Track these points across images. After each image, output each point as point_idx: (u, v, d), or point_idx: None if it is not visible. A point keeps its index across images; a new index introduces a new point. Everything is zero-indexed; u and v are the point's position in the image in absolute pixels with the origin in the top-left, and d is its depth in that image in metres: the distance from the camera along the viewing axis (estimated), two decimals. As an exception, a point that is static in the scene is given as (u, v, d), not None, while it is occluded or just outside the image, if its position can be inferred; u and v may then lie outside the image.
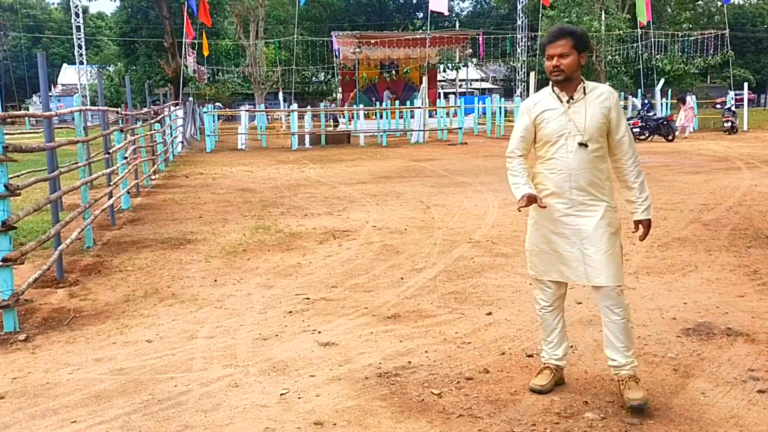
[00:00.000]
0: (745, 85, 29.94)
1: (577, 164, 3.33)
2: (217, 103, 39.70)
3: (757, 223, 8.06)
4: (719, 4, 50.51)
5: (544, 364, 3.65)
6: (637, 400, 3.25)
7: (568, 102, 3.36)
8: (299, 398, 3.55)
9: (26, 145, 5.23)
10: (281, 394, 3.59)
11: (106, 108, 9.28)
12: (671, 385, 3.63)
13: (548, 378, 3.57)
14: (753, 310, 4.85)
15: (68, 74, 61.12)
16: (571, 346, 4.19)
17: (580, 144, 3.30)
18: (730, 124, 25.34)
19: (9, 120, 5.43)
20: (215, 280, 6.06)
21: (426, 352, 4.19)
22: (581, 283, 3.50)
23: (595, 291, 3.44)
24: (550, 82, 3.44)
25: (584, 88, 3.37)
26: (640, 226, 3.47)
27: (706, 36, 33.93)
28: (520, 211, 3.43)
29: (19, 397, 3.67)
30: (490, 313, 4.92)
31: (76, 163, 7.67)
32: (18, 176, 10.49)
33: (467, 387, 3.65)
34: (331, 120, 30.69)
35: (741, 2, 64.95)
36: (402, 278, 5.96)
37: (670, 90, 31.57)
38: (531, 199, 3.31)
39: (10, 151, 4.85)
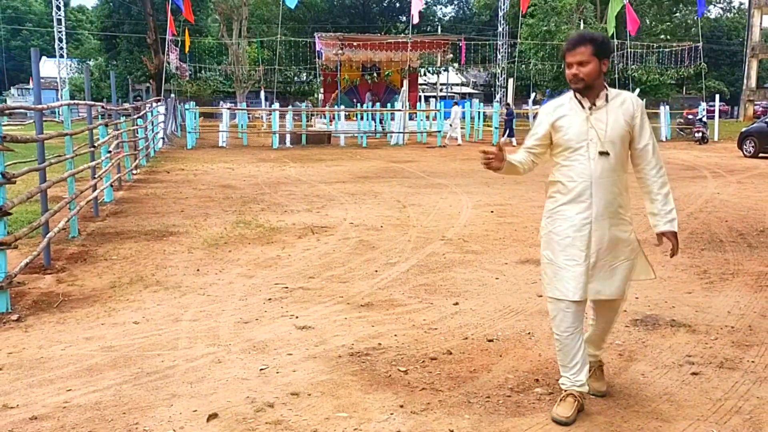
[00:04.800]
0: (717, 96, 30.74)
1: (599, 173, 3.19)
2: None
3: (714, 228, 8.52)
4: (695, 16, 51.62)
5: (566, 391, 3.35)
6: (602, 391, 3.60)
7: (590, 108, 3.24)
8: (277, 373, 3.88)
9: (21, 136, 5.48)
10: (261, 369, 3.92)
11: (93, 103, 9.52)
12: (615, 367, 4.02)
13: (572, 407, 3.27)
14: (697, 305, 5.28)
15: (47, 67, 60.56)
16: (528, 333, 4.59)
17: (601, 153, 3.18)
18: (700, 134, 26.10)
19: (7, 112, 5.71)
20: (198, 270, 6.35)
21: (395, 335, 4.53)
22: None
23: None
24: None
25: (607, 95, 3.26)
26: (665, 239, 3.31)
27: (681, 48, 34.80)
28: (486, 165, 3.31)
29: (16, 369, 3.95)
30: (456, 304, 5.28)
31: (60, 155, 7.89)
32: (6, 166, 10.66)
33: (431, 366, 4.01)
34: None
35: (718, 16, 66.41)
36: (376, 271, 6.30)
37: (645, 100, 32.27)
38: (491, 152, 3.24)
39: (7, 141, 5.11)
